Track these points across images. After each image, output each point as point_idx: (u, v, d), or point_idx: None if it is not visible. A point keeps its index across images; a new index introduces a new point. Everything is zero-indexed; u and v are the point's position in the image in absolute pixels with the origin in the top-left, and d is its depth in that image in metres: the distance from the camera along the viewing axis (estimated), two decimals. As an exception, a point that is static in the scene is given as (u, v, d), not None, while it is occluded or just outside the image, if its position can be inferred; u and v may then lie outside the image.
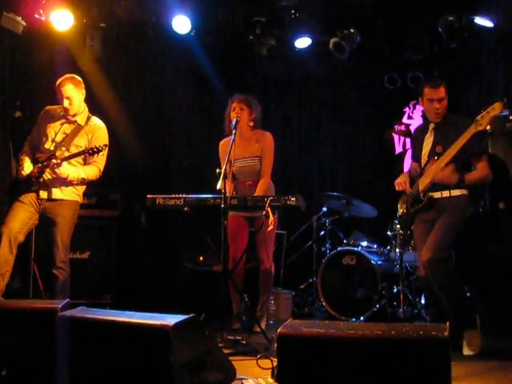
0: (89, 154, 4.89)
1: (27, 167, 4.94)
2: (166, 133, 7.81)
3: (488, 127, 4.44)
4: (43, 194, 4.92)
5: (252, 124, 5.45)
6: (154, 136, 7.73)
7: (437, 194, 4.63)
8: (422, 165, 4.76)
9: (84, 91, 5.10)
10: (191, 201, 4.82)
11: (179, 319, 2.78)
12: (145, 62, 7.44)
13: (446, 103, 4.66)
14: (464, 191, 4.61)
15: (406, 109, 8.03)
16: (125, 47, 7.16)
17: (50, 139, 5.01)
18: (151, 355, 2.72)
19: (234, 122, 5.15)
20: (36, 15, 6.24)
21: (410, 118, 8.04)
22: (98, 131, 5.09)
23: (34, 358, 3.06)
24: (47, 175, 4.91)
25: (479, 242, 5.90)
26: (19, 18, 6.14)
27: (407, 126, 8.06)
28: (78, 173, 4.94)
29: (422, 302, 6.14)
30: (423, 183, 4.66)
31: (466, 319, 4.50)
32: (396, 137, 8.13)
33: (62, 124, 5.06)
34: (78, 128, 5.04)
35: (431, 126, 4.77)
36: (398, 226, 5.91)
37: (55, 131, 5.03)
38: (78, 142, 5.01)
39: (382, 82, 7.73)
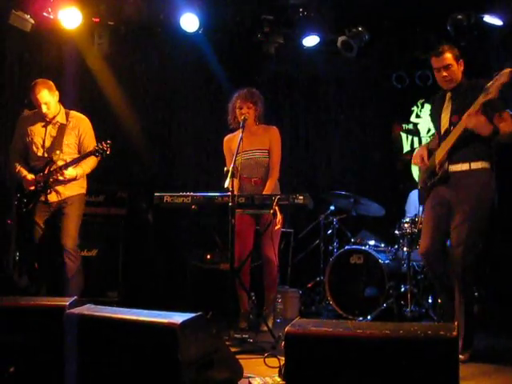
0: (96, 155, 5.07)
1: (33, 180, 5.09)
2: (174, 130, 7.80)
3: (496, 95, 4.05)
4: (52, 198, 5.14)
5: (258, 119, 5.46)
6: (162, 134, 7.73)
7: (455, 167, 4.29)
8: (441, 135, 4.46)
9: (57, 92, 5.20)
10: (199, 199, 4.81)
11: (186, 317, 2.78)
12: (153, 60, 7.44)
13: (457, 69, 4.37)
14: (485, 164, 4.24)
15: (414, 107, 8.02)
16: (133, 45, 7.17)
17: (39, 145, 5.18)
18: (158, 353, 2.72)
19: (242, 122, 5.14)
20: (44, 13, 6.26)
21: (418, 116, 8.02)
22: (82, 124, 5.28)
23: (41, 356, 3.07)
24: (51, 180, 5.08)
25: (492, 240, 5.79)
26: (28, 16, 6.17)
27: (415, 124, 8.05)
28: (83, 170, 5.18)
29: (430, 301, 6.13)
30: (440, 154, 4.35)
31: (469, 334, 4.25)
32: (404, 135, 8.12)
33: (45, 127, 5.21)
34: (62, 127, 5.20)
35: (448, 94, 4.46)
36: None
37: (41, 137, 5.19)
38: (67, 140, 5.20)
39: (390, 80, 7.71)
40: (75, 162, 5.09)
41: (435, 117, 4.61)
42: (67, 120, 5.23)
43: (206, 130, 7.77)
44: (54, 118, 5.20)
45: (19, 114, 5.46)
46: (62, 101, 5.26)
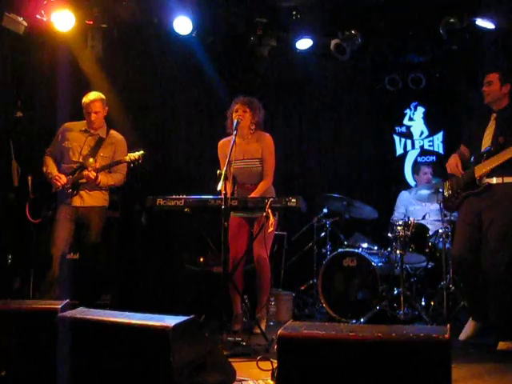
0: (129, 164, 5.36)
1: (63, 177, 5.34)
2: (167, 133, 7.80)
3: None
4: (76, 202, 5.38)
5: (254, 127, 5.46)
6: (155, 136, 7.72)
7: (491, 180, 4.72)
8: (481, 151, 4.82)
9: (107, 108, 5.55)
10: (192, 202, 4.81)
11: (179, 320, 2.78)
12: (146, 62, 7.43)
13: (498, 88, 4.83)
14: None
15: (407, 110, 8.05)
16: (126, 48, 7.16)
17: (76, 152, 5.44)
18: (151, 356, 2.72)
19: (235, 123, 5.15)
20: (37, 16, 6.24)
21: (410, 119, 8.06)
22: (120, 143, 5.60)
23: (33, 359, 3.06)
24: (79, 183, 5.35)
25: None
26: (21, 19, 6.15)
27: (408, 127, 8.07)
28: (107, 180, 5.41)
29: (423, 303, 6.15)
30: (481, 170, 4.74)
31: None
32: (397, 138, 8.14)
33: (86, 138, 5.49)
34: (101, 140, 5.50)
35: (493, 115, 4.88)
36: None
37: (80, 144, 5.46)
38: (103, 152, 5.48)
39: (383, 83, 7.74)
40: (107, 166, 5.36)
41: (477, 132, 4.96)
42: (107, 136, 5.54)
43: (200, 132, 7.78)
44: (96, 130, 5.49)
45: (12, 117, 5.49)
46: (54, 104, 5.32)
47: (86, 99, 5.45)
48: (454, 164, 5.00)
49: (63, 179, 5.31)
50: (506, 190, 4.67)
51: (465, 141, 5.18)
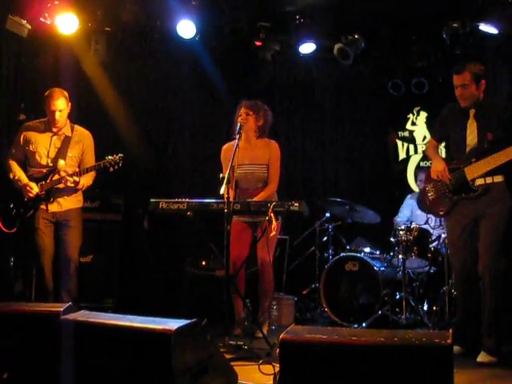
0: (108, 168, 5.14)
1: (35, 186, 5.14)
2: (170, 137, 7.80)
3: None
4: (53, 208, 5.21)
5: (258, 131, 5.46)
6: (158, 140, 7.73)
7: (483, 181, 4.50)
8: (467, 152, 4.59)
9: (70, 104, 5.32)
10: (194, 205, 4.81)
11: (181, 324, 2.78)
12: (149, 66, 7.45)
13: (474, 89, 4.53)
14: (502, 177, 4.51)
15: (410, 115, 8.04)
16: (129, 51, 7.17)
17: (43, 154, 5.24)
18: (153, 360, 2.72)
19: (237, 127, 5.15)
20: (41, 19, 6.26)
21: (413, 124, 8.04)
22: (86, 139, 5.40)
23: (36, 361, 3.06)
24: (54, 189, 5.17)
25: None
26: (24, 22, 6.17)
27: (411, 132, 8.07)
28: (87, 181, 5.29)
29: (425, 308, 6.14)
30: (475, 172, 4.51)
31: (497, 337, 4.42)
32: (400, 143, 8.13)
33: (51, 138, 5.28)
34: (67, 139, 5.29)
35: (472, 111, 4.62)
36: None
37: (46, 147, 5.25)
38: (72, 152, 5.29)
39: (386, 88, 7.73)
40: (91, 169, 5.19)
41: (454, 128, 4.73)
42: (72, 133, 5.33)
43: (203, 136, 7.78)
44: (60, 129, 5.28)
45: (15, 120, 5.47)
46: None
47: (48, 97, 5.20)
48: (442, 169, 4.67)
49: (35, 189, 5.11)
50: (496, 190, 4.48)
51: (437, 137, 4.99)
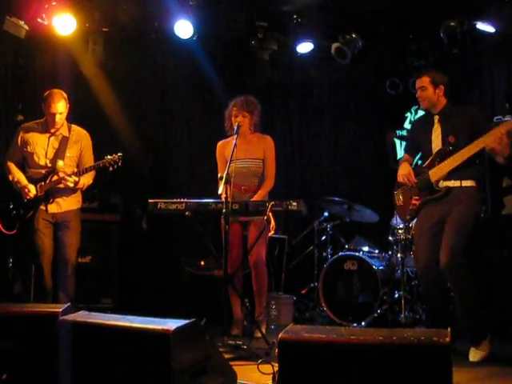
0: (108, 167, 5.14)
1: (33, 189, 5.13)
2: (168, 137, 7.80)
3: None
4: (52, 209, 5.20)
5: (253, 127, 5.49)
6: (156, 140, 7.73)
7: (449, 183, 4.63)
8: (432, 155, 4.74)
9: (69, 106, 5.30)
10: (193, 205, 4.81)
11: (180, 324, 2.78)
12: (147, 66, 7.44)
13: (432, 92, 4.75)
14: (473, 183, 4.63)
15: (408, 114, 8.04)
16: (127, 51, 7.17)
17: (41, 155, 5.22)
18: (152, 360, 2.72)
19: (235, 128, 5.16)
20: (39, 19, 6.24)
21: (411, 123, 8.04)
22: (84, 139, 5.39)
23: (34, 362, 3.06)
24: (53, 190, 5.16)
25: (482, 247, 5.86)
26: (22, 23, 6.15)
27: (409, 130, 8.07)
28: (87, 181, 5.28)
29: (424, 307, 6.13)
30: (438, 174, 4.66)
31: (479, 329, 4.49)
32: (398, 142, 8.14)
33: (48, 138, 5.28)
34: (65, 140, 5.28)
35: (436, 117, 4.82)
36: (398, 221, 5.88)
37: (44, 147, 5.24)
38: (70, 152, 5.29)
39: (384, 87, 7.73)
40: (89, 169, 5.19)
41: (422, 137, 4.91)
42: (70, 133, 5.32)
43: (200, 136, 7.78)
44: (57, 129, 5.27)
45: (13, 120, 5.45)
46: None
47: (48, 98, 5.17)
48: (407, 173, 4.83)
49: (33, 191, 5.10)
50: (464, 194, 4.60)
51: (409, 150, 5.16)
